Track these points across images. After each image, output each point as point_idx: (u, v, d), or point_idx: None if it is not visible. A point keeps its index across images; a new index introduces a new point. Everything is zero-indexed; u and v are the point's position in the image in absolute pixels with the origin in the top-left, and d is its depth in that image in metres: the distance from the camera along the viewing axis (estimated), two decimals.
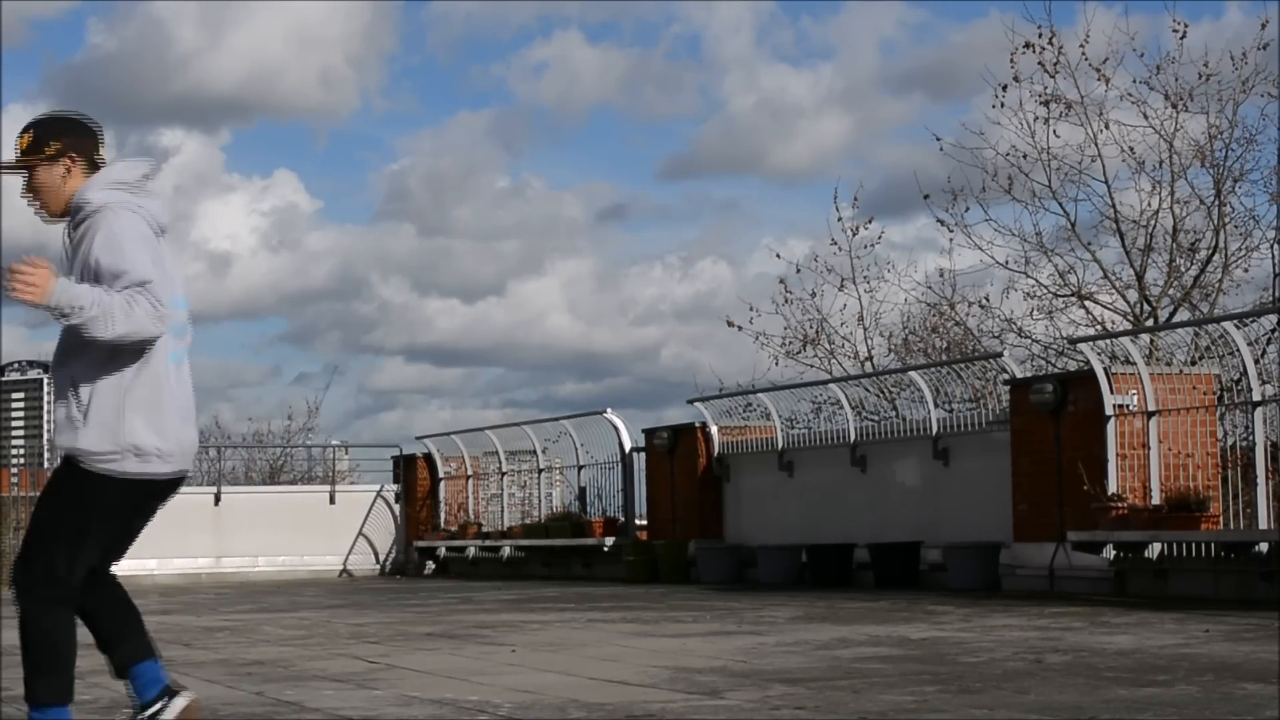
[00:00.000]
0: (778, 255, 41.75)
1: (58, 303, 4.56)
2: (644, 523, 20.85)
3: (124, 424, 4.73)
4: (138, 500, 4.84)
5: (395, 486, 25.36)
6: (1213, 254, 23.32)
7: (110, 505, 4.79)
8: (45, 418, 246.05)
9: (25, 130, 4.86)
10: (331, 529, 24.44)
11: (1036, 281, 24.22)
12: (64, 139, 4.86)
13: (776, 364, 26.67)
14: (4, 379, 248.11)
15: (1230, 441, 14.34)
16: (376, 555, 24.82)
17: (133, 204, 4.81)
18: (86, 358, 4.73)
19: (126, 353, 4.71)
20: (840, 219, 26.60)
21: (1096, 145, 23.39)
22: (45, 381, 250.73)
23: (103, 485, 4.75)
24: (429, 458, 25.18)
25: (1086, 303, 23.97)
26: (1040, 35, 23.35)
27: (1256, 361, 14.42)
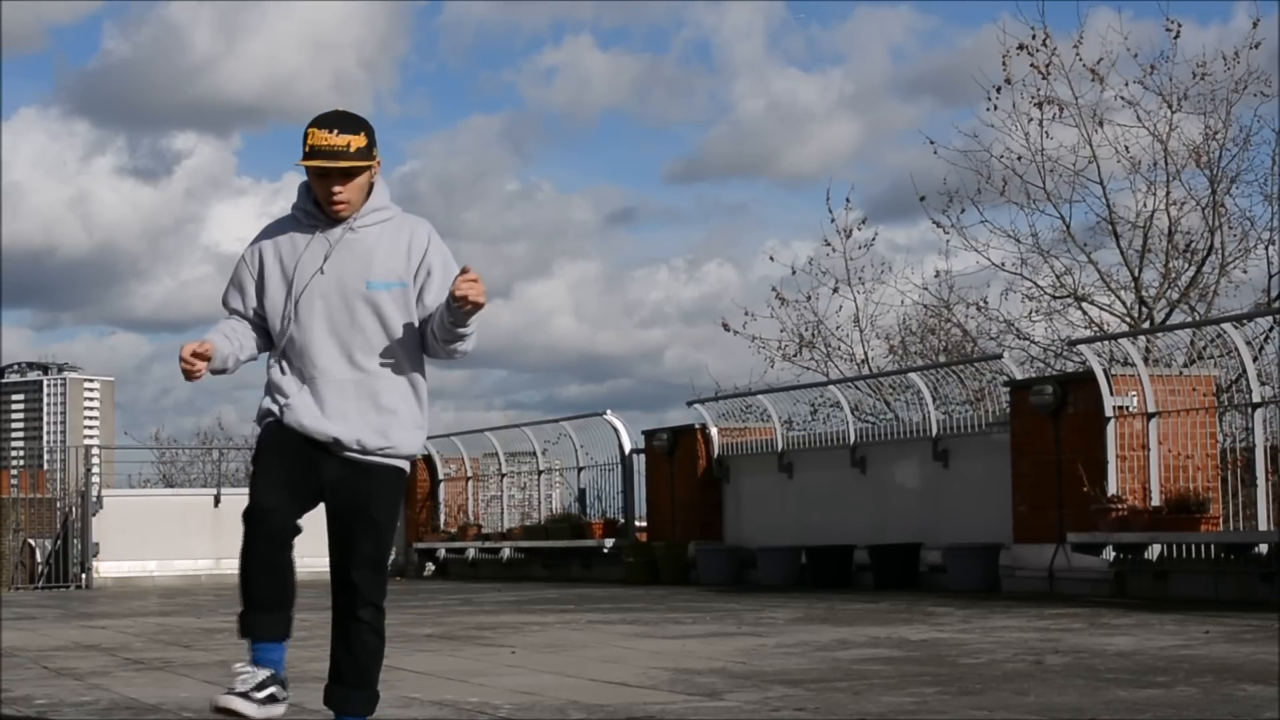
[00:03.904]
0: (771, 258, 41.60)
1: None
2: (644, 524, 20.85)
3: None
4: None
5: None
6: (1208, 255, 23.34)
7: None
8: (45, 418, 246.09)
9: (355, 129, 4.75)
10: None
11: (1033, 283, 24.27)
12: (377, 144, 4.87)
13: (773, 366, 26.71)
14: (4, 380, 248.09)
15: (1229, 443, 14.34)
16: None
17: None
18: (415, 356, 4.89)
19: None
20: (834, 220, 26.64)
21: (1091, 147, 23.43)
22: (45, 383, 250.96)
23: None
24: (429, 459, 25.17)
25: (1084, 304, 24.00)
26: (1034, 37, 23.40)
27: (1254, 361, 14.43)
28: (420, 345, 4.89)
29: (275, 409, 4.83)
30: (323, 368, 4.79)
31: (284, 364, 4.86)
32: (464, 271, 4.70)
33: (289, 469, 4.79)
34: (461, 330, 4.75)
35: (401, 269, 4.83)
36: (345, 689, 4.85)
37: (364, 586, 4.82)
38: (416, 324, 4.85)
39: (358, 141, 4.74)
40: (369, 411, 4.78)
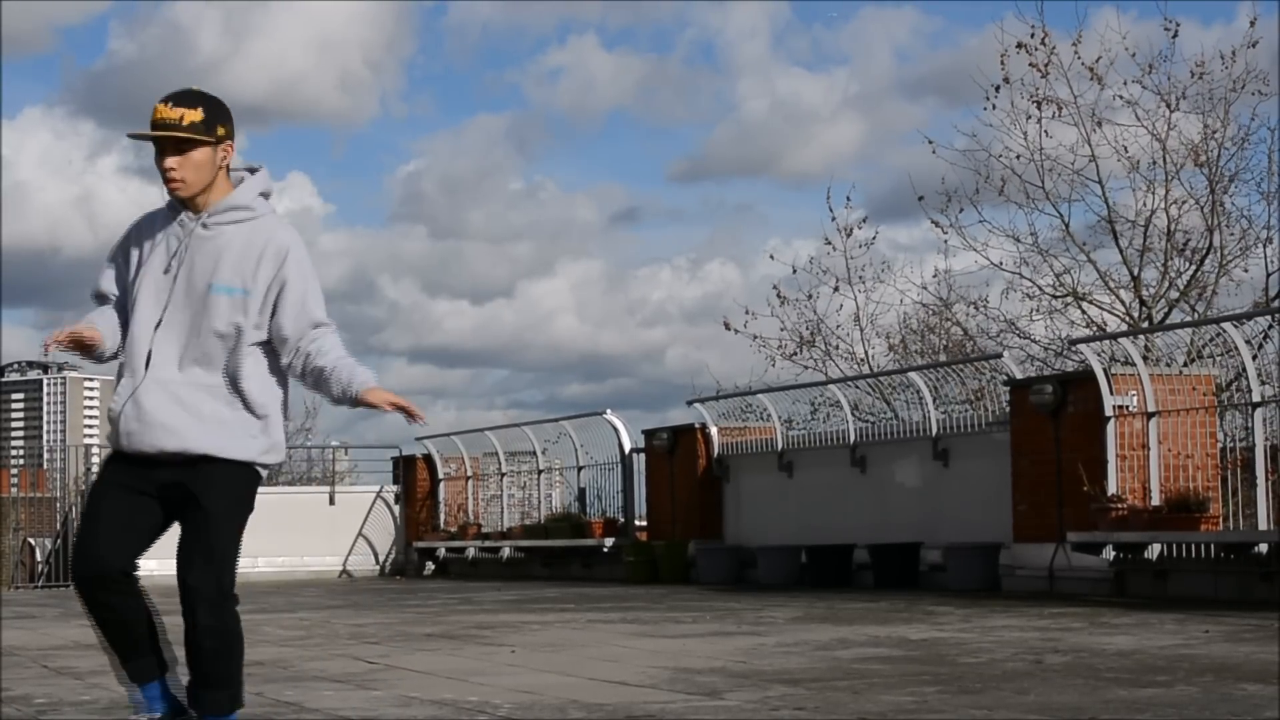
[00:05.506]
0: (771, 257, 41.81)
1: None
2: (644, 523, 20.85)
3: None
4: None
5: (395, 487, 25.36)
6: (1207, 254, 23.35)
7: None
8: (45, 417, 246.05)
9: (193, 104, 4.58)
10: (331, 530, 24.42)
11: (1032, 283, 24.28)
12: (228, 126, 4.65)
13: (774, 365, 26.72)
14: (4, 379, 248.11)
15: (1229, 442, 14.33)
16: (376, 556, 24.82)
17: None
18: (254, 366, 4.73)
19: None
20: (834, 219, 26.65)
21: (1090, 146, 23.45)
22: (45, 382, 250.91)
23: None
24: (429, 458, 25.18)
25: (1083, 304, 24.01)
26: (1033, 36, 23.42)
27: (1253, 360, 14.44)
28: (268, 357, 4.72)
29: (110, 423, 4.72)
30: (152, 370, 4.63)
31: (122, 365, 4.71)
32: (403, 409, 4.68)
33: (122, 500, 4.72)
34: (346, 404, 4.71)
35: (249, 275, 4.62)
36: (197, 689, 4.71)
37: (194, 583, 4.62)
38: (263, 334, 4.67)
39: (192, 115, 4.57)
40: (192, 423, 4.60)
